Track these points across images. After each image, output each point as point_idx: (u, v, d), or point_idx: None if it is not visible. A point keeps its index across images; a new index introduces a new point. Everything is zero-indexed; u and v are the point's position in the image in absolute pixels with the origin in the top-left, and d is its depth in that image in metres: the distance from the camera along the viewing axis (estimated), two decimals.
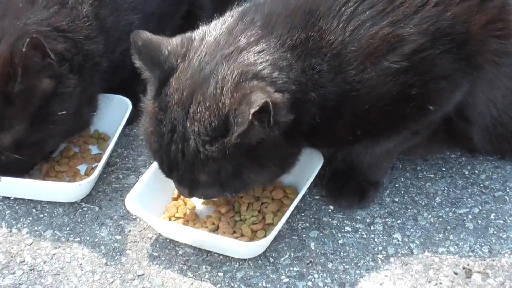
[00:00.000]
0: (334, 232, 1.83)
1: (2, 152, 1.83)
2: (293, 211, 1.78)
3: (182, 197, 1.85)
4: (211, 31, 1.70)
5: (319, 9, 1.67)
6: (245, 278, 1.72)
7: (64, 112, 1.86)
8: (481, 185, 1.93)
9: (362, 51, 1.65)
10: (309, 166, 1.84)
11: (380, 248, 1.79)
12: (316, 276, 1.73)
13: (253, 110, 1.50)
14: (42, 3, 1.87)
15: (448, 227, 1.83)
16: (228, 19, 1.73)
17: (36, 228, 1.86)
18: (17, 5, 1.86)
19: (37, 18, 1.84)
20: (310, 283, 1.71)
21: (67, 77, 1.86)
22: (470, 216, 1.86)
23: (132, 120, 2.04)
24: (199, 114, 1.60)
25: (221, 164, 1.61)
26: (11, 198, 1.92)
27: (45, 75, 1.81)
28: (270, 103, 1.51)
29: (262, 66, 1.62)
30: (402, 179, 1.95)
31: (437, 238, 1.80)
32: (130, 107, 2.01)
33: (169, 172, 1.69)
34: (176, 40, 1.70)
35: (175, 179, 1.70)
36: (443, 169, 1.98)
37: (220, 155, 1.59)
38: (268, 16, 1.69)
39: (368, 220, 1.85)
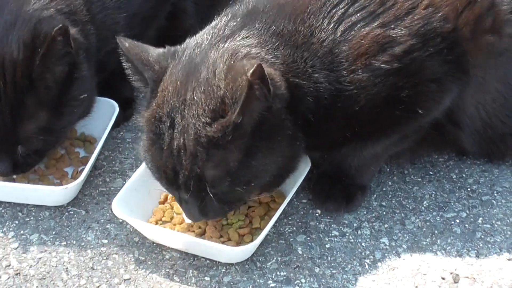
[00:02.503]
0: (321, 236, 1.82)
1: (26, 140, 1.82)
2: (280, 215, 1.77)
3: (168, 201, 1.84)
4: (199, 33, 1.72)
5: (309, 7, 1.67)
6: (232, 283, 1.71)
7: (86, 95, 1.87)
8: (469, 189, 1.93)
9: (353, 52, 1.65)
10: (296, 170, 1.80)
11: (368, 252, 1.78)
12: (303, 280, 1.72)
13: (249, 73, 1.50)
14: None
15: (436, 232, 1.82)
16: (213, 20, 1.74)
17: (22, 232, 1.85)
18: None
19: (40, 4, 1.82)
20: None
21: (80, 61, 1.85)
22: (457, 221, 1.85)
23: (119, 123, 2.06)
24: (195, 98, 1.58)
25: (226, 150, 1.57)
26: None
27: (64, 62, 1.80)
28: (264, 69, 1.51)
29: (250, 48, 1.63)
30: (390, 183, 1.95)
31: (425, 243, 1.80)
32: (117, 110, 2.00)
33: (174, 176, 1.63)
34: (163, 48, 1.71)
35: (182, 184, 1.63)
36: (431, 173, 1.98)
37: (222, 137, 1.56)
38: (252, 9, 1.72)
39: (355, 224, 1.84)
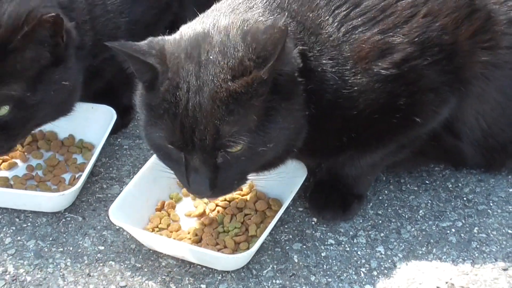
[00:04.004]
0: (317, 244, 1.80)
1: None
2: (276, 223, 1.76)
3: (165, 208, 1.84)
4: (195, 21, 1.68)
5: (316, 2, 1.67)
6: None
7: (67, 83, 1.83)
8: (465, 198, 1.92)
9: (354, 55, 1.66)
10: (293, 178, 1.82)
11: (363, 261, 1.76)
12: None
13: (282, 25, 1.51)
14: None
15: (431, 241, 1.81)
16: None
17: (19, 238, 1.84)
18: None
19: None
20: None
21: (69, 54, 1.83)
22: (453, 230, 1.84)
23: (117, 129, 2.06)
24: (211, 58, 1.54)
25: (248, 106, 1.53)
26: None
27: (46, 50, 1.77)
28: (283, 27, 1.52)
29: (258, 16, 1.62)
30: (386, 191, 1.94)
31: (420, 252, 1.78)
32: (115, 116, 1.99)
33: (190, 138, 1.55)
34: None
35: (197, 146, 1.56)
36: (427, 182, 1.97)
37: (246, 93, 1.52)
38: None
39: (351, 233, 1.83)
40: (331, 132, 1.70)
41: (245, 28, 1.58)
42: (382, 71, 1.66)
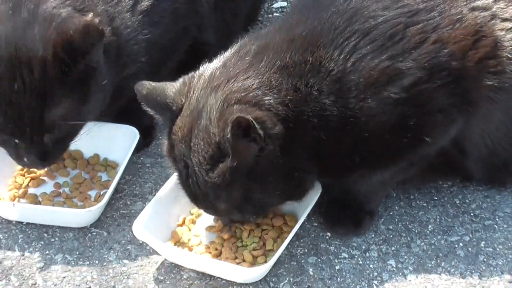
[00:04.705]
0: (331, 258, 1.82)
1: (52, 127, 1.81)
2: (292, 237, 1.78)
3: (186, 223, 1.86)
4: (209, 67, 1.74)
5: (320, 41, 1.69)
6: None
7: (105, 81, 1.85)
8: (472, 214, 1.93)
9: (363, 81, 1.67)
10: (308, 195, 1.81)
11: (375, 274, 1.78)
12: None
13: (229, 129, 1.54)
14: None
15: (440, 254, 1.82)
16: (226, 53, 1.76)
17: (47, 252, 1.85)
18: None
19: (56, 1, 1.80)
20: None
21: (98, 47, 1.81)
22: (461, 244, 1.85)
23: (139, 149, 2.06)
24: (197, 146, 1.64)
25: (228, 190, 1.63)
26: (23, 223, 1.91)
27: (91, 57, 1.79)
28: (249, 117, 1.54)
29: (246, 91, 1.64)
30: (396, 207, 1.94)
31: (430, 265, 1.80)
32: (138, 136, 2.00)
33: (196, 203, 1.75)
34: (179, 81, 1.74)
35: (202, 209, 1.78)
36: (435, 198, 1.97)
37: (223, 181, 1.61)
38: (263, 46, 1.72)
39: (363, 247, 1.84)
40: (343, 154, 1.71)
41: (224, 108, 1.61)
42: (392, 95, 1.66)
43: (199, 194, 1.69)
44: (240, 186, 1.64)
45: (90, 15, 1.77)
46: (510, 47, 1.74)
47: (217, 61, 1.73)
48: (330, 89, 1.67)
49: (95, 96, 1.85)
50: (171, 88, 1.73)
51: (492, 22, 1.74)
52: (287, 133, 1.62)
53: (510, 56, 1.74)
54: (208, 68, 1.73)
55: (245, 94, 1.63)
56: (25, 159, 1.83)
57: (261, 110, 1.61)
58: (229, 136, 1.54)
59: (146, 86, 1.73)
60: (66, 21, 1.76)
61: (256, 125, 1.55)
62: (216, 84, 1.66)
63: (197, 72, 1.74)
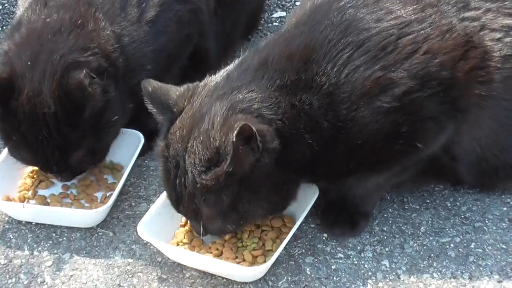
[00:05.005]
0: (327, 258, 1.83)
1: (76, 166, 1.92)
2: (290, 238, 1.79)
3: (189, 224, 1.85)
4: (214, 78, 1.76)
5: (314, 56, 1.70)
6: None
7: (117, 117, 1.91)
8: (462, 216, 1.93)
9: (356, 92, 1.68)
10: (305, 197, 1.85)
11: (370, 273, 1.79)
12: None
13: (235, 133, 1.55)
14: (66, 30, 1.88)
15: (432, 255, 1.83)
16: (230, 66, 1.79)
17: (55, 251, 1.87)
18: (46, 38, 1.87)
19: (68, 47, 1.85)
20: None
21: (108, 84, 1.88)
22: (452, 245, 1.86)
23: (144, 152, 2.06)
24: (194, 147, 1.65)
25: (217, 194, 1.64)
26: (33, 223, 1.94)
27: (98, 94, 1.84)
28: (253, 128, 1.56)
29: (250, 103, 1.67)
30: (390, 210, 1.95)
31: (422, 265, 1.81)
32: (142, 140, 2.02)
33: (177, 205, 1.73)
34: (183, 87, 1.77)
35: (182, 212, 1.74)
36: (428, 201, 1.97)
37: (215, 184, 1.62)
38: (264, 60, 1.73)
39: (359, 248, 1.86)
40: (338, 161, 1.73)
41: (228, 116, 1.64)
42: (384, 104, 1.67)
43: (184, 195, 1.69)
44: (230, 192, 1.65)
45: (83, 73, 1.80)
46: (499, 57, 1.74)
47: (221, 73, 1.76)
48: (320, 103, 1.68)
49: (112, 128, 1.92)
50: (175, 91, 1.76)
51: (482, 32, 1.75)
52: (282, 148, 1.64)
53: (498, 65, 1.74)
54: (212, 79, 1.76)
55: (249, 105, 1.65)
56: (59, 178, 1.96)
57: (263, 123, 1.63)
58: (234, 139, 1.56)
59: (152, 84, 1.76)
60: (67, 75, 1.81)
61: (258, 137, 1.57)
62: (221, 93, 1.69)
63: (202, 82, 1.77)
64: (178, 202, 1.72)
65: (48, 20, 1.89)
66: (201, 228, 1.73)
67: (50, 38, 1.86)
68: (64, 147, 1.84)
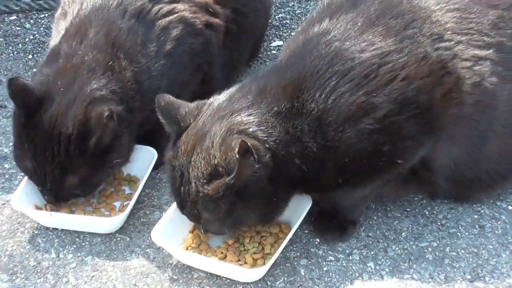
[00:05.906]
0: (320, 260, 1.90)
1: (68, 191, 1.96)
2: (287, 243, 1.86)
3: (197, 230, 1.93)
4: (218, 98, 1.84)
5: (304, 85, 1.77)
6: None
7: (119, 160, 1.98)
8: (439, 223, 1.99)
9: (342, 115, 1.74)
10: (300, 207, 1.93)
11: (357, 274, 1.86)
12: None
13: (236, 150, 1.63)
14: (99, 71, 1.97)
15: (412, 258, 1.90)
16: (232, 89, 1.87)
17: (79, 254, 1.94)
18: (82, 73, 1.96)
19: (98, 85, 1.94)
20: None
21: (123, 132, 1.96)
22: (429, 249, 1.92)
23: (158, 166, 2.13)
24: (197, 162, 1.74)
25: (216, 203, 1.73)
26: (59, 229, 2.01)
27: (110, 136, 1.92)
28: (248, 143, 1.64)
29: (248, 125, 1.74)
30: (375, 217, 2.01)
31: (403, 267, 1.87)
32: (156, 155, 2.10)
33: (181, 209, 1.82)
34: (193, 104, 1.85)
35: (185, 214, 1.83)
36: (408, 209, 2.03)
37: (215, 194, 1.71)
38: (262, 88, 1.81)
39: (347, 251, 1.92)
40: (327, 176, 1.79)
41: (226, 136, 1.70)
42: (367, 126, 1.73)
43: (188, 202, 1.77)
44: (228, 201, 1.73)
45: (106, 108, 1.87)
46: (469, 83, 1.81)
47: (224, 95, 1.83)
48: (309, 127, 1.74)
49: (111, 169, 1.97)
50: (184, 107, 1.82)
51: (454, 61, 1.80)
52: (275, 167, 1.72)
53: (469, 90, 1.81)
54: (216, 99, 1.83)
55: (246, 128, 1.73)
56: (45, 196, 1.99)
57: (254, 140, 1.71)
58: (237, 156, 1.63)
59: (165, 99, 1.83)
60: (94, 104, 1.90)
61: (253, 150, 1.65)
62: (222, 114, 1.76)
63: (208, 100, 1.84)
64: (182, 206, 1.81)
65: (85, 58, 1.97)
66: (201, 229, 1.84)
67: (85, 74, 1.95)
68: (65, 166, 1.90)
